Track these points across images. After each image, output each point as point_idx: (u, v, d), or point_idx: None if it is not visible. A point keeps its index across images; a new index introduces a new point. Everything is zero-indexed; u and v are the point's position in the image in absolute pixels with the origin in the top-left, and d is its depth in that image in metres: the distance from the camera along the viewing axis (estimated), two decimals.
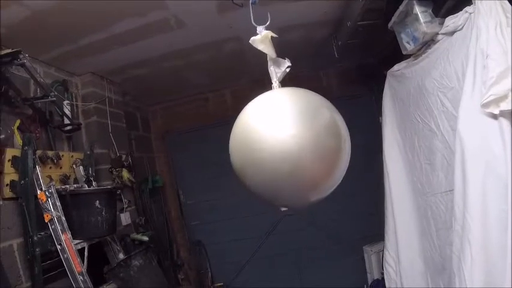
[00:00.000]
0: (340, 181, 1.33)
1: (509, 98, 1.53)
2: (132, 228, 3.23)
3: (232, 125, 1.39)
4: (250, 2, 1.53)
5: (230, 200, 4.32)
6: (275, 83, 1.43)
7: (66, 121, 2.78)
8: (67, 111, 2.80)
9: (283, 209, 4.76)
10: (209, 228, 4.51)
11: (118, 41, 2.75)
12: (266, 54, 1.44)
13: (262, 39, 1.41)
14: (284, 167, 1.20)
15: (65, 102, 2.83)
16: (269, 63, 1.44)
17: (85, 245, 2.35)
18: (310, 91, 1.38)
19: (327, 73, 4.43)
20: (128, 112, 3.74)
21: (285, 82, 1.45)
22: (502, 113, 1.57)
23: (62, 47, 2.69)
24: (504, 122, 1.58)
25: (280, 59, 1.44)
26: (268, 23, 1.44)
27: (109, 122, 3.25)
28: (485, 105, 1.60)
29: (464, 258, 1.70)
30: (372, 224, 3.96)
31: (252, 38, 1.43)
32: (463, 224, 1.74)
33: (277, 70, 1.43)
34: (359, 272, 4.11)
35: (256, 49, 1.43)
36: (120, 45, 2.83)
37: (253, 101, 1.38)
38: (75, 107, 2.98)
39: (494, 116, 1.60)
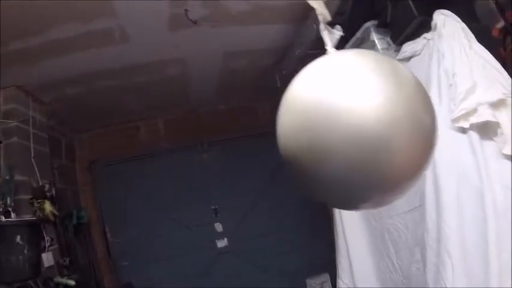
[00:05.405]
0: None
1: (478, 111, 1.63)
2: (56, 270, 2.73)
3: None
4: None
5: (163, 238, 4.00)
6: (330, 48, 1.14)
7: None
8: None
9: (220, 245, 4.46)
10: (141, 268, 4.01)
11: (52, 49, 2.45)
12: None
13: None
14: (367, 151, 0.82)
15: None
16: (321, 26, 1.21)
17: None
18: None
19: (263, 106, 4.25)
20: (51, 137, 3.28)
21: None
22: (471, 126, 1.67)
23: None
24: (473, 134, 1.67)
25: (330, 27, 1.27)
26: None
27: (31, 145, 2.80)
28: (455, 120, 1.70)
29: (444, 269, 1.71)
30: (314, 255, 3.92)
31: None
32: (438, 236, 1.77)
33: (331, 36, 1.22)
34: None
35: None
36: (54, 55, 2.53)
37: (307, 67, 0.99)
38: None
39: (463, 130, 1.70)
